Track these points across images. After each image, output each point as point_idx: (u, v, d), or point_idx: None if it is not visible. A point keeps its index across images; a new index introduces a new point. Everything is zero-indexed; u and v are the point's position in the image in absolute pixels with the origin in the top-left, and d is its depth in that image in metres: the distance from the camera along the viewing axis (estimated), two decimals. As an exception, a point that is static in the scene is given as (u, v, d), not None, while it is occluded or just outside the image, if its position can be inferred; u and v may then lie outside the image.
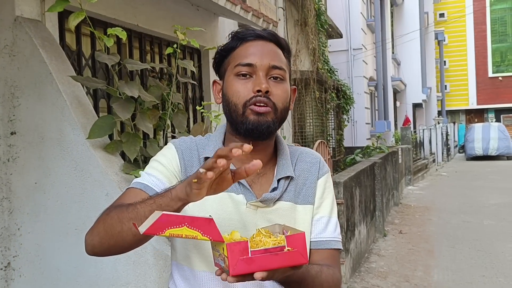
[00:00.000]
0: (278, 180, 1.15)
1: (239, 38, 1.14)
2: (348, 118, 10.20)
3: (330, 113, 8.39)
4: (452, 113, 29.36)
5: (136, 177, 1.17)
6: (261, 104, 1.07)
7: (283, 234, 0.97)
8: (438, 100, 24.08)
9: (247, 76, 1.10)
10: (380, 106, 14.35)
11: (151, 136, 2.45)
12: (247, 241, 0.86)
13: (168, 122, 2.73)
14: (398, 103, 18.74)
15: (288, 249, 0.87)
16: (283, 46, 1.16)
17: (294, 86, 1.22)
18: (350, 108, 9.81)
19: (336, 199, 3.87)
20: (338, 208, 4.24)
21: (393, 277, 4.71)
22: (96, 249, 1.05)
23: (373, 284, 4.49)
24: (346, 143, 10.18)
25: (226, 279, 0.86)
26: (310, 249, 1.17)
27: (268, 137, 1.12)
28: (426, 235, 6.49)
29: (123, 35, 2.07)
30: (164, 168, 1.13)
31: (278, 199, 1.15)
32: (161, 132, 2.97)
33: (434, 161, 16.65)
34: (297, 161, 1.21)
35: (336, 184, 4.30)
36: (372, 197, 6.13)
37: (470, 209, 8.30)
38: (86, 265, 2.28)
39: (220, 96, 1.17)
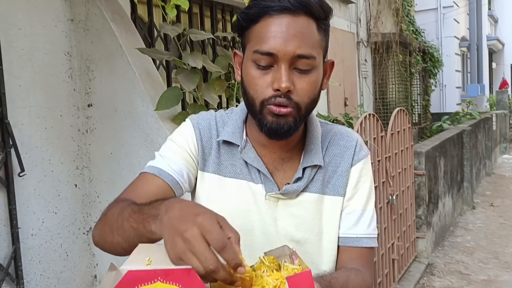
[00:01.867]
0: (304, 169, 1.02)
1: (261, 8, 0.92)
2: (436, 82, 9.58)
3: (415, 78, 7.92)
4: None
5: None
6: (281, 104, 0.92)
7: (292, 260, 0.84)
8: (542, 60, 21.82)
9: (267, 66, 0.92)
10: (473, 69, 13.30)
11: (215, 106, 2.43)
12: None
13: (233, 92, 2.70)
14: (494, 65, 17.26)
15: None
16: (317, 16, 0.93)
17: (332, 60, 1.03)
18: (438, 71, 9.20)
19: (416, 169, 3.66)
20: (419, 179, 4.03)
21: (480, 253, 4.42)
22: (97, 245, 0.96)
23: (457, 260, 4.24)
24: (434, 109, 9.61)
25: None
26: (338, 246, 1.06)
27: (290, 136, 0.97)
28: (521, 208, 6.00)
29: (185, 4, 2.04)
30: (179, 149, 1.03)
31: (303, 190, 1.02)
32: (233, 102, 2.95)
33: (534, 127, 15.24)
34: (329, 145, 1.06)
35: (417, 154, 4.07)
36: (459, 167, 5.75)
37: None
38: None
39: (240, 73, 1.01)
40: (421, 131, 8.09)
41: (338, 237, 1.05)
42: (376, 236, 1.07)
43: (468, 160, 6.07)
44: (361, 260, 1.04)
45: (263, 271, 0.80)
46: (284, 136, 0.95)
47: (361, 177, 1.06)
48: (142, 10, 3.05)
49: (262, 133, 0.97)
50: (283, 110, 0.92)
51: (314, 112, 1.06)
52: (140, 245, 0.80)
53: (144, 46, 2.50)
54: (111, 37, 2.46)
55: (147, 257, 0.80)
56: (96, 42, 2.53)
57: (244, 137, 1.02)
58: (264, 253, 0.87)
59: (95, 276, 2.71)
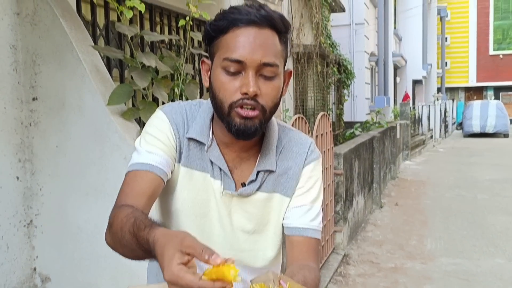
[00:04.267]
0: (258, 172, 1.12)
1: (230, 21, 1.01)
2: (349, 92, 10.30)
3: (331, 87, 8.50)
4: (452, 90, 29.42)
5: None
6: (248, 107, 1.00)
7: (279, 284, 0.87)
8: (438, 76, 24.10)
9: (236, 73, 1.01)
10: (380, 82, 14.41)
11: (165, 103, 2.59)
12: None
13: (178, 92, 2.87)
14: (398, 79, 18.78)
15: None
16: (279, 29, 1.03)
17: (290, 70, 1.13)
18: (351, 83, 9.90)
19: (336, 169, 4.05)
20: (338, 178, 4.43)
21: (388, 245, 4.94)
22: (111, 248, 1.04)
23: (369, 251, 4.71)
24: (346, 117, 10.31)
25: None
26: (285, 236, 1.16)
27: (255, 136, 1.07)
28: (421, 207, 6.72)
29: (142, 7, 2.19)
30: (163, 145, 1.08)
31: (257, 189, 1.12)
32: (170, 101, 3.10)
33: (431, 137, 16.84)
34: (283, 150, 1.16)
35: (336, 156, 4.48)
36: (370, 170, 6.32)
37: (465, 184, 8.52)
38: (105, 223, 2.44)
39: (208, 79, 1.08)
40: (335, 138, 8.68)
41: (286, 227, 1.16)
42: (321, 230, 1.17)
43: (377, 164, 6.68)
44: (308, 250, 1.13)
45: None
46: (251, 136, 1.04)
47: (311, 177, 1.16)
48: (84, 9, 3.11)
49: (230, 133, 1.04)
50: (251, 113, 1.01)
51: None
52: (129, 287, 0.88)
53: (93, 44, 2.59)
54: (60, 33, 2.51)
55: None
56: (44, 37, 2.57)
57: (211, 135, 1.10)
58: (251, 281, 0.90)
59: (35, 269, 2.72)
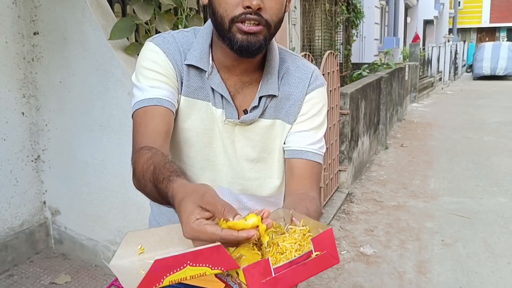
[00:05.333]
0: (260, 98, 1.08)
1: None
2: (357, 33, 10.06)
3: (339, 27, 8.29)
4: (464, 32, 28.62)
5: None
6: (251, 22, 0.94)
7: (292, 221, 0.84)
8: (450, 17, 23.37)
9: None
10: (390, 22, 14.02)
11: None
12: (268, 259, 0.68)
13: (181, 27, 2.80)
14: (408, 19, 18.25)
15: (316, 254, 0.71)
16: None
17: None
18: (360, 22, 9.64)
19: (342, 109, 4.02)
20: (344, 118, 4.42)
21: (391, 184, 5.00)
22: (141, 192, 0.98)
23: (372, 190, 4.77)
24: (354, 58, 10.13)
25: None
26: (286, 160, 1.13)
27: (259, 53, 1.01)
28: (426, 148, 6.73)
29: None
30: (163, 77, 1.04)
31: (259, 116, 1.09)
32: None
33: (440, 79, 16.59)
34: (285, 75, 1.11)
35: (343, 95, 4.43)
36: (376, 111, 6.28)
37: (472, 126, 8.48)
38: (111, 158, 2.48)
39: None
40: (342, 79, 8.57)
41: (285, 150, 1.13)
42: (322, 154, 1.13)
43: (384, 105, 6.62)
44: (308, 176, 1.09)
45: (272, 237, 0.78)
46: (255, 53, 0.98)
47: (315, 104, 1.11)
48: None
49: (232, 51, 0.98)
50: (254, 28, 0.95)
51: None
52: (128, 234, 0.81)
53: (93, -25, 2.50)
54: (59, -36, 2.43)
55: (138, 245, 0.82)
56: (42, -32, 2.49)
57: (211, 62, 1.05)
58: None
59: (44, 202, 2.80)
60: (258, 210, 0.76)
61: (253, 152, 1.13)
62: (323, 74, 3.71)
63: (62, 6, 2.45)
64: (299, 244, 0.75)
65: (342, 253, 3.34)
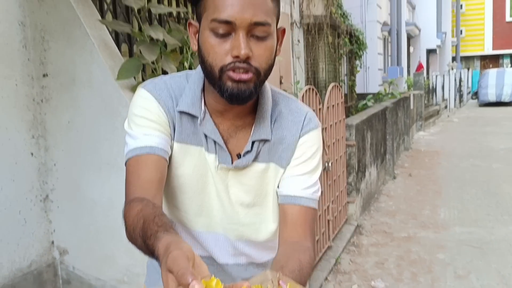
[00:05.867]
0: (253, 142, 1.07)
1: None
2: (361, 63, 10.17)
3: (343, 59, 8.39)
4: (467, 59, 28.84)
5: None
6: (241, 70, 0.94)
7: (279, 284, 0.83)
8: (452, 45, 23.60)
9: (225, 34, 0.94)
10: (393, 52, 14.17)
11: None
12: None
13: (187, 65, 2.86)
14: (411, 49, 18.46)
15: None
16: None
17: (283, 28, 1.06)
18: (363, 53, 9.76)
19: (348, 140, 4.04)
20: (350, 150, 4.42)
21: (401, 215, 4.95)
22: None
23: (381, 221, 4.73)
24: (358, 89, 10.20)
25: None
26: (279, 205, 1.11)
27: (250, 100, 1.01)
28: (435, 177, 6.69)
29: (148, -21, 2.16)
30: (155, 124, 1.03)
31: (253, 160, 1.08)
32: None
33: (446, 107, 16.62)
34: (278, 117, 1.09)
35: (348, 127, 4.45)
36: (383, 140, 6.28)
37: (480, 153, 8.44)
38: (119, 196, 2.48)
39: (196, 42, 1.01)
40: (347, 110, 8.62)
41: (278, 195, 1.10)
42: (317, 199, 1.11)
43: (390, 135, 6.63)
44: (302, 223, 1.07)
45: None
46: (246, 100, 0.98)
47: (309, 147, 1.10)
48: (91, -17, 3.09)
49: (223, 98, 0.98)
50: (244, 76, 0.94)
51: None
52: None
53: (100, 18, 2.58)
54: (67, 8, 2.51)
55: None
56: (52, 13, 2.56)
57: (203, 107, 1.05)
58: (248, 281, 0.83)
59: (53, 242, 2.79)
60: (233, 284, 0.73)
61: (248, 197, 1.11)
62: (328, 107, 3.75)
63: (71, 48, 2.52)
64: None
65: (353, 287, 3.29)
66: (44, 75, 2.65)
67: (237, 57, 0.93)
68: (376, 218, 4.85)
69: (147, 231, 0.82)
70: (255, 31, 0.94)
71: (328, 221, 3.80)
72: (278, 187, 1.11)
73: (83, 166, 2.61)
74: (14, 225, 2.58)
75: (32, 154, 2.66)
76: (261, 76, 0.97)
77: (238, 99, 0.96)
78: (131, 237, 0.91)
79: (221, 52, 0.94)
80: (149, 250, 0.81)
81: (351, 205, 4.55)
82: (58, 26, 2.54)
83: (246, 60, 0.93)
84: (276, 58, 1.04)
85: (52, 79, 2.63)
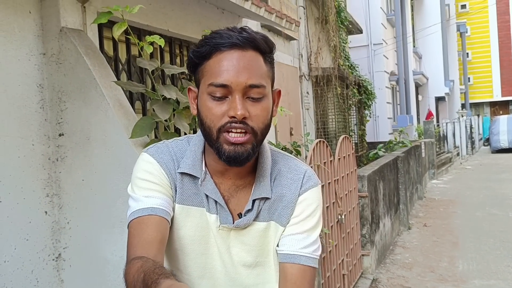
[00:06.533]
0: (254, 200, 1.08)
1: (212, 46, 1.00)
2: (370, 113, 10.26)
3: (352, 109, 8.48)
4: (476, 106, 28.96)
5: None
6: (238, 131, 0.98)
7: None
8: (461, 93, 23.82)
9: (222, 97, 0.99)
10: (402, 101, 14.32)
11: (187, 134, 2.64)
12: None
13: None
14: (420, 97, 18.63)
15: None
16: (263, 50, 1.03)
17: (278, 89, 1.11)
18: (372, 103, 9.87)
19: (360, 192, 4.02)
20: (363, 201, 4.38)
21: (418, 268, 4.81)
22: None
23: (398, 275, 4.60)
24: (369, 138, 10.25)
25: None
26: (279, 264, 1.11)
27: (248, 161, 1.03)
28: (451, 227, 6.55)
29: (162, 42, 2.26)
30: (158, 186, 1.06)
31: (254, 219, 1.09)
32: (192, 132, 3.16)
33: (458, 154, 16.52)
34: (277, 176, 1.11)
35: (360, 178, 4.43)
36: (395, 190, 6.22)
37: (495, 201, 8.29)
38: (131, 254, 2.47)
39: (195, 106, 1.07)
40: (358, 159, 8.61)
41: (278, 254, 1.11)
42: (317, 258, 1.10)
43: (403, 184, 6.57)
44: (301, 282, 1.06)
45: None
46: (243, 162, 1.01)
47: (308, 205, 1.10)
48: (107, 45, 3.22)
49: (221, 161, 1.01)
50: (241, 139, 0.98)
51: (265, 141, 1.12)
52: None
53: (115, 79, 2.67)
54: (84, 70, 2.60)
55: None
56: (69, 75, 2.66)
57: (204, 168, 1.07)
58: None
59: (64, 302, 2.76)
60: None
61: (249, 257, 1.12)
62: (339, 159, 3.75)
63: (87, 108, 2.59)
64: None
65: None
66: (60, 135, 2.72)
67: (233, 117, 0.97)
68: (393, 271, 4.72)
69: (147, 282, 0.83)
70: (250, 93, 0.99)
71: (343, 275, 3.71)
72: (278, 245, 1.11)
73: (96, 224, 2.62)
74: (26, 285, 2.56)
75: (46, 212, 2.68)
76: (258, 136, 1.01)
77: (236, 161, 1.00)
78: None
79: (218, 114, 0.98)
80: None
81: (366, 258, 4.45)
82: (75, 87, 2.63)
83: (243, 120, 0.97)
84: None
85: (67, 138, 2.69)
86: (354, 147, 4.44)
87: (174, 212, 1.09)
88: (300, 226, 1.10)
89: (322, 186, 3.32)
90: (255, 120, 0.99)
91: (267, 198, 1.09)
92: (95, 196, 2.61)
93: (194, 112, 1.07)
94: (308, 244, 1.09)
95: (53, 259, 2.72)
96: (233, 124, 0.97)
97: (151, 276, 0.84)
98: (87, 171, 2.62)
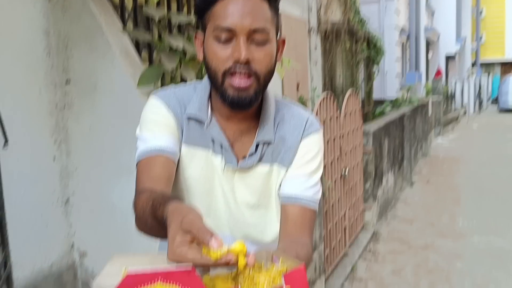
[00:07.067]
0: (257, 144, 1.12)
1: None
2: (379, 69, 10.13)
3: (360, 65, 8.37)
4: (487, 65, 28.45)
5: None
6: (242, 74, 1.00)
7: (272, 261, 0.86)
8: (472, 51, 23.32)
9: (227, 40, 1.01)
10: (411, 58, 14.08)
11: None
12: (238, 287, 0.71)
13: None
14: (430, 54, 18.30)
15: None
16: None
17: (283, 38, 1.13)
18: (381, 59, 9.72)
19: (365, 147, 4.05)
20: (367, 157, 4.41)
21: (418, 223, 4.90)
22: (143, 234, 1.04)
23: (398, 229, 4.70)
24: (376, 95, 10.15)
25: None
26: (280, 205, 1.14)
27: (251, 107, 1.07)
28: (453, 185, 6.61)
29: (169, -11, 2.21)
30: (165, 126, 1.09)
31: (257, 162, 1.13)
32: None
33: (465, 113, 16.43)
34: (281, 122, 1.15)
35: (365, 134, 4.44)
36: (400, 147, 6.24)
37: (500, 161, 8.31)
38: (138, 201, 2.53)
39: (202, 52, 1.09)
40: (365, 116, 8.58)
41: (280, 196, 1.15)
42: (317, 200, 1.15)
43: (408, 141, 6.59)
44: (302, 222, 1.10)
45: (249, 272, 0.80)
46: (247, 107, 1.05)
47: (310, 150, 1.14)
48: (112, -8, 3.16)
49: (225, 105, 1.05)
50: (244, 83, 1.01)
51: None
52: (114, 255, 0.84)
53: (122, 27, 2.64)
54: (90, 17, 2.57)
55: (123, 267, 0.81)
56: (75, 22, 2.63)
57: (209, 112, 1.11)
58: None
59: (73, 245, 2.85)
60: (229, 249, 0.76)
61: (253, 198, 1.16)
62: (345, 114, 3.75)
63: (93, 56, 2.58)
64: (273, 281, 0.77)
65: (369, 295, 3.28)
66: (66, 82, 2.72)
67: (238, 60, 1.00)
68: (393, 225, 4.82)
69: (156, 205, 0.87)
70: (254, 37, 1.01)
71: (345, 227, 3.79)
72: (279, 187, 1.15)
73: (103, 171, 2.66)
74: (36, 227, 2.64)
75: (54, 158, 2.73)
76: (260, 80, 1.04)
77: (239, 106, 1.04)
78: (140, 222, 0.96)
79: (223, 57, 1.01)
80: (159, 223, 0.85)
81: (367, 212, 4.53)
82: (81, 35, 2.61)
83: (247, 63, 1.00)
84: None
85: (74, 85, 2.70)
86: (360, 103, 4.42)
87: (180, 154, 1.12)
88: (302, 169, 1.14)
89: (328, 141, 3.33)
90: (258, 64, 1.02)
91: (270, 142, 1.13)
92: (102, 143, 2.64)
93: (201, 57, 1.10)
94: (309, 187, 1.14)
95: (61, 204, 2.79)
96: (237, 68, 1.00)
97: (159, 200, 0.88)
98: (94, 119, 2.64)
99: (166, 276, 0.68)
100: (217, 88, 1.05)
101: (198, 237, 0.72)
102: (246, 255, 0.74)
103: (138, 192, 1.03)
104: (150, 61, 3.25)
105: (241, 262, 0.74)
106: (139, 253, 0.87)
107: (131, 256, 0.85)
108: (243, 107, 1.04)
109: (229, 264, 0.72)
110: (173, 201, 0.84)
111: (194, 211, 0.79)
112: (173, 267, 0.69)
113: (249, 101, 1.03)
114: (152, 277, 0.67)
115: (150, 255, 0.88)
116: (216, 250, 0.71)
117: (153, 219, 0.88)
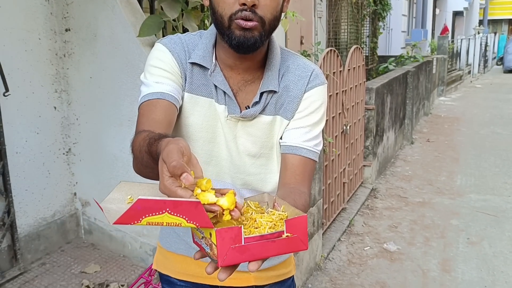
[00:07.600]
0: (262, 94, 1.12)
1: None
2: (384, 25, 9.91)
3: (365, 20, 8.19)
4: (494, 23, 27.86)
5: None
6: (248, 17, 1.00)
7: (274, 206, 0.87)
8: (480, 8, 22.76)
9: None
10: (418, 14, 13.77)
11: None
12: (241, 227, 0.72)
13: (208, 23, 2.83)
14: (437, 11, 17.86)
15: (287, 235, 0.75)
16: None
17: None
18: (387, 15, 9.49)
19: (367, 104, 4.01)
20: (369, 113, 4.39)
21: (417, 180, 4.95)
22: (139, 175, 1.02)
23: (397, 186, 4.75)
24: (380, 51, 9.98)
25: (213, 271, 0.75)
26: (281, 155, 1.16)
27: (256, 50, 1.06)
28: (453, 144, 6.63)
29: None
30: (169, 73, 1.09)
31: (259, 113, 1.13)
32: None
33: (469, 72, 16.23)
34: (285, 72, 1.15)
35: (368, 90, 4.40)
36: (402, 105, 6.21)
37: (501, 121, 8.30)
38: (139, 152, 2.53)
39: None
40: (368, 72, 8.48)
41: (281, 145, 1.16)
42: (318, 152, 1.16)
43: (410, 99, 6.54)
44: (301, 172, 1.12)
45: (251, 214, 0.82)
46: (251, 49, 1.04)
47: (313, 102, 1.15)
48: None
49: (231, 48, 1.04)
50: (250, 23, 1.00)
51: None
52: (121, 182, 0.84)
53: (122, -27, 2.55)
54: (90, -38, 2.49)
55: (128, 195, 0.84)
56: (74, -33, 2.55)
57: (214, 60, 1.11)
58: (244, 199, 0.89)
59: (75, 194, 2.89)
60: (220, 189, 0.77)
61: (254, 148, 1.17)
62: (349, 70, 3.70)
63: (93, 4, 2.51)
64: (274, 224, 0.78)
65: (365, 249, 3.35)
66: (66, 30, 2.67)
67: (244, 4, 0.99)
68: (392, 182, 4.87)
69: (151, 141, 0.86)
70: None
71: (344, 183, 3.83)
72: (281, 138, 1.16)
73: (104, 121, 2.66)
74: (38, 176, 2.66)
75: (55, 108, 2.71)
76: (265, 26, 1.03)
77: (244, 47, 1.02)
78: (137, 161, 0.95)
79: (229, 1, 1.00)
80: (153, 157, 0.84)
81: (367, 169, 4.57)
82: (80, -20, 2.53)
83: (252, 7, 0.99)
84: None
85: (74, 34, 2.65)
86: (364, 59, 4.35)
87: (183, 101, 1.12)
88: (304, 121, 1.15)
89: (330, 96, 3.30)
90: (264, 10, 1.01)
91: (274, 92, 1.13)
92: (103, 94, 2.62)
93: (206, 3, 1.08)
94: (311, 138, 1.15)
95: (63, 153, 2.80)
96: (244, 13, 0.99)
97: (155, 136, 0.87)
98: (95, 68, 2.61)
99: (174, 207, 0.68)
100: (223, 33, 1.04)
101: (170, 169, 0.70)
102: (233, 210, 0.75)
103: (137, 133, 1.02)
104: (152, 11, 3.17)
105: (226, 217, 0.74)
106: (144, 183, 0.87)
107: (137, 186, 0.86)
108: (247, 48, 1.03)
109: (214, 213, 0.73)
110: (165, 138, 0.82)
111: (178, 142, 0.76)
112: (181, 198, 0.69)
113: (253, 42, 1.02)
114: (161, 205, 0.67)
115: (155, 186, 0.87)
116: (206, 197, 0.72)
117: (149, 156, 0.87)
